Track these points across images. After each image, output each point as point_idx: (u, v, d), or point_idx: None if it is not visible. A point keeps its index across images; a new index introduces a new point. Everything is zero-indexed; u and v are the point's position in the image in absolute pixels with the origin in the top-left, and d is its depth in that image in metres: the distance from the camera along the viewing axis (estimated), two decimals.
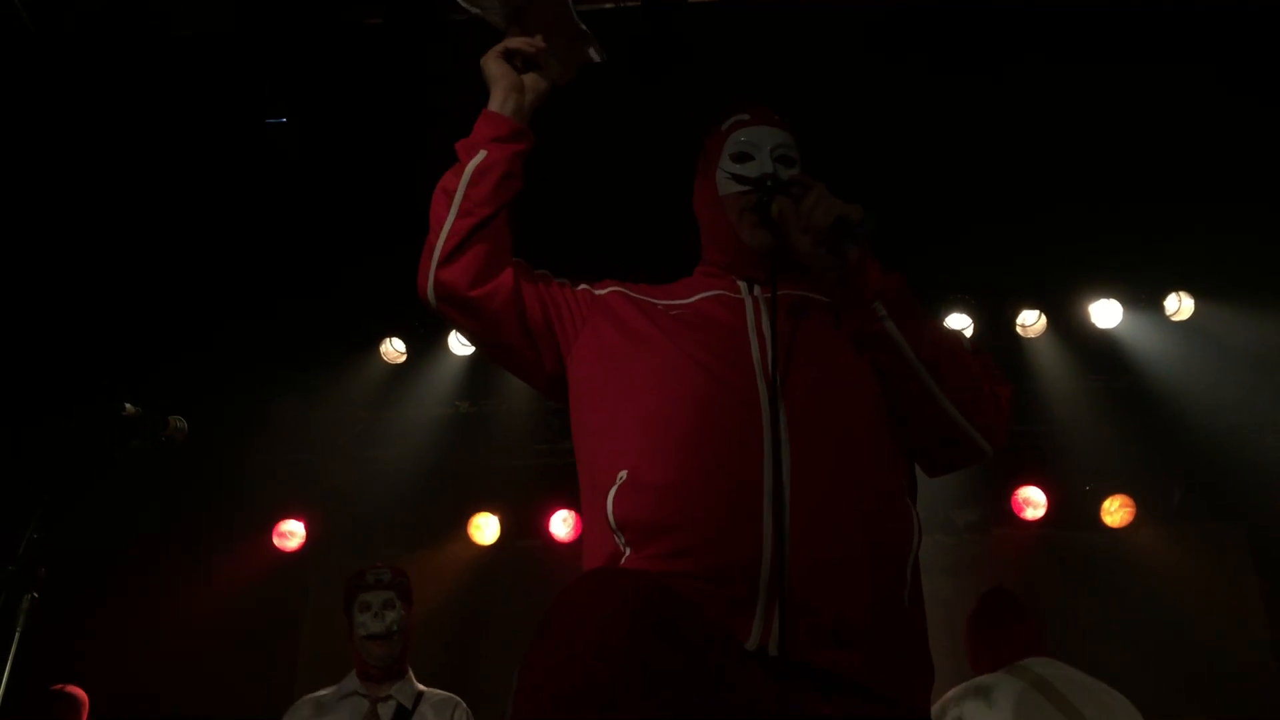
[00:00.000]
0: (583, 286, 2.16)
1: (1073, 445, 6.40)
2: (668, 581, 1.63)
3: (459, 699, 3.91)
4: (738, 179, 2.12)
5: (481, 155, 2.09)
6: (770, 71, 4.92)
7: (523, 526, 6.77)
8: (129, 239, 5.59)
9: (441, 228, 2.05)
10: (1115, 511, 6.32)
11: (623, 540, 1.80)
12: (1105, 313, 5.94)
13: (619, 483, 1.82)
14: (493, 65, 2.14)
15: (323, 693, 3.88)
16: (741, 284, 2.11)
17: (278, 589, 6.66)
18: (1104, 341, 6.08)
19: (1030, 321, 6.11)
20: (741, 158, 2.14)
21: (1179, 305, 5.93)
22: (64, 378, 5.44)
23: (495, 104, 2.13)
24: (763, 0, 4.86)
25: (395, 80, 5.06)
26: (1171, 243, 5.61)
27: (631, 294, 2.13)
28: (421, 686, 3.89)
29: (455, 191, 2.06)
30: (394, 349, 6.43)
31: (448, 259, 2.02)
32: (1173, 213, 5.30)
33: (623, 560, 1.79)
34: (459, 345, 6.28)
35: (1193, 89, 4.97)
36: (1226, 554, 6.40)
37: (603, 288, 2.15)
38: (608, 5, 4.83)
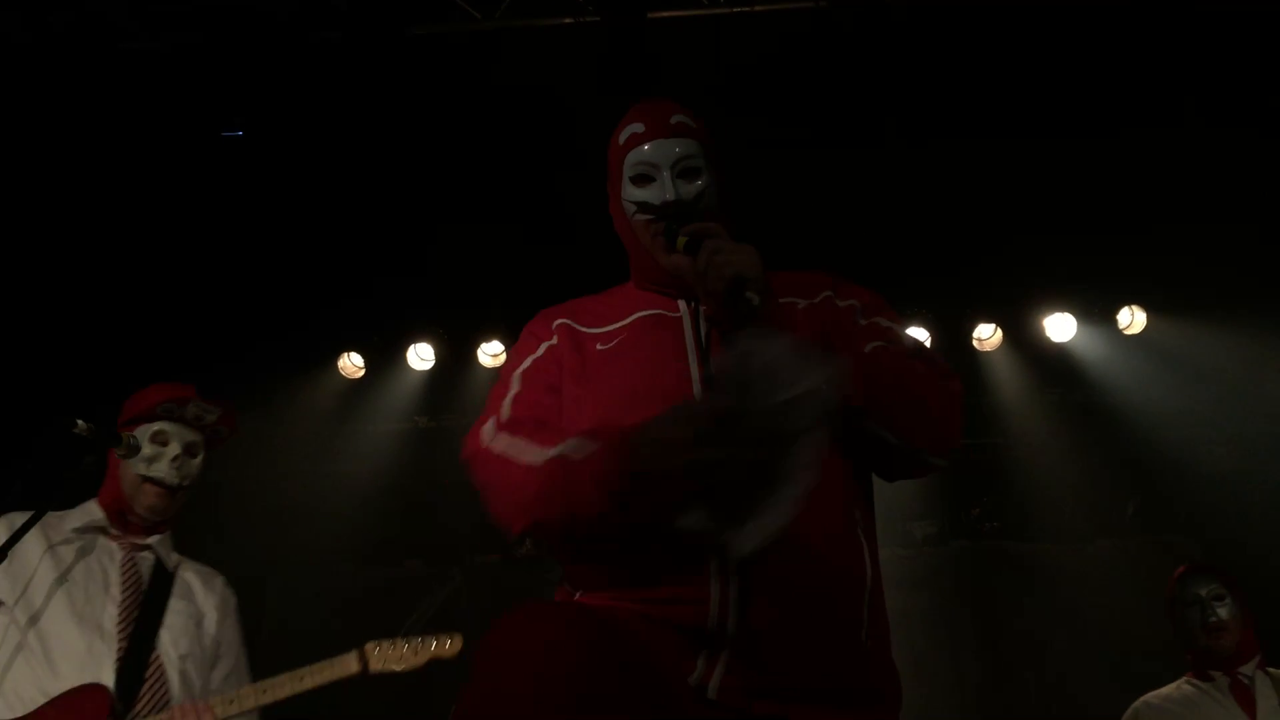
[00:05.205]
0: (545, 346, 1.99)
1: (1028, 458, 6.46)
2: (613, 616, 1.63)
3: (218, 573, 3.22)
4: (641, 207, 2.00)
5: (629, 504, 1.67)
6: (732, 84, 4.96)
7: (483, 542, 6.73)
8: (84, 256, 5.53)
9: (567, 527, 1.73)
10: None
11: (573, 584, 1.82)
12: (1060, 326, 6.01)
13: None
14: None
15: (52, 514, 2.88)
16: (680, 301, 1.98)
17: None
18: (1059, 355, 6.14)
19: (986, 335, 6.15)
20: (642, 180, 2.00)
21: (1132, 319, 6.00)
22: (18, 396, 5.37)
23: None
24: (724, 14, 4.91)
25: (354, 95, 5.04)
26: (1124, 257, 5.68)
27: (574, 326, 2.00)
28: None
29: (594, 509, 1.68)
30: (352, 364, 6.39)
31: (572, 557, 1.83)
32: (1125, 228, 5.38)
33: (575, 598, 1.81)
34: (417, 360, 6.27)
35: (1149, 111, 5.06)
36: (1181, 566, 6.45)
37: (550, 322, 2.03)
38: (567, 21, 4.84)
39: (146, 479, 2.92)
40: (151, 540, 2.99)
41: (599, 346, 1.95)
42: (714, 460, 1.56)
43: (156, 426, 2.95)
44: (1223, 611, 3.54)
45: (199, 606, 3.05)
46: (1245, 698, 3.45)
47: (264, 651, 6.67)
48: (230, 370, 6.03)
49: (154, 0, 4.77)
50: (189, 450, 2.99)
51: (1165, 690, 3.64)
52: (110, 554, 2.92)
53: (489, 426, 1.88)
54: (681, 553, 1.68)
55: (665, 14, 4.89)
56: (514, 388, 1.92)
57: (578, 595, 1.81)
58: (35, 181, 5.25)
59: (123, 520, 2.95)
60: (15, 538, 2.67)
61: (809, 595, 1.71)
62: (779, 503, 1.58)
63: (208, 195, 5.49)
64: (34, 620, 2.74)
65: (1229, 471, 6.17)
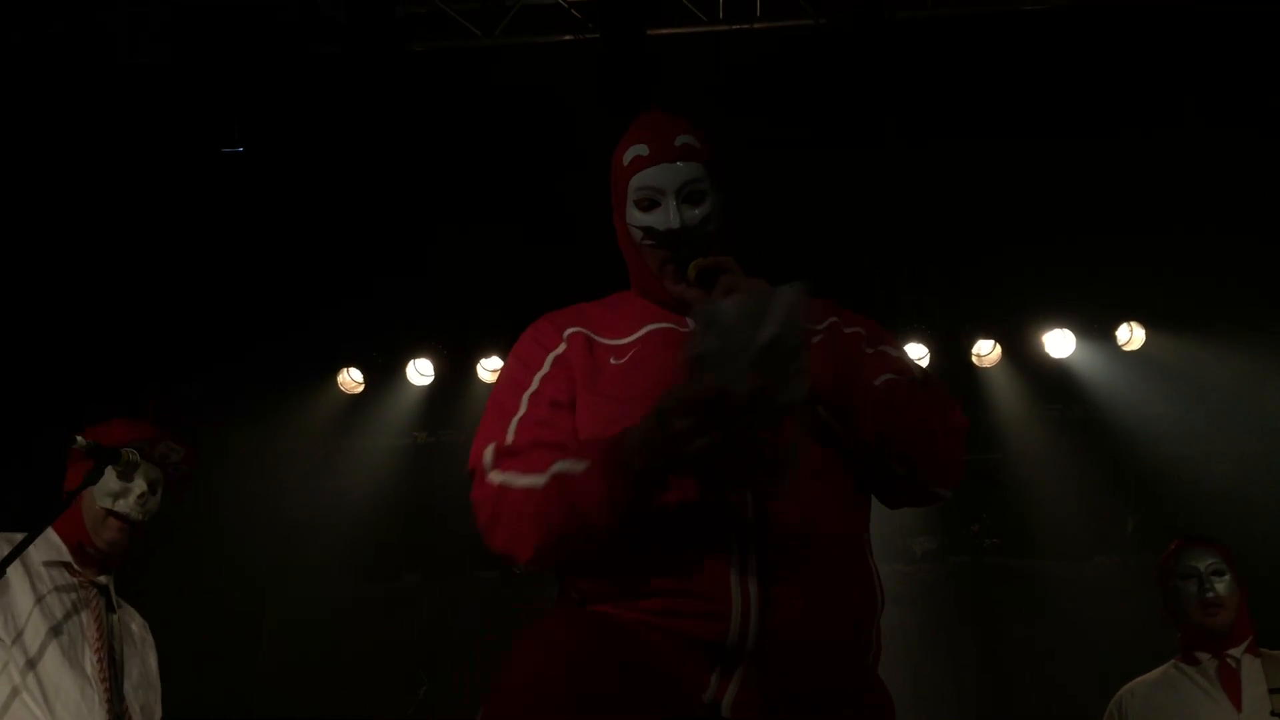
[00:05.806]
0: (552, 357, 1.93)
1: (1028, 474, 6.45)
2: (619, 622, 1.63)
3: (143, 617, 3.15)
4: (646, 232, 1.96)
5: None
6: (729, 99, 4.97)
7: (482, 558, 6.73)
8: (86, 268, 5.54)
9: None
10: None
11: (584, 596, 1.77)
12: (1059, 343, 6.01)
13: None
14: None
15: (17, 535, 2.71)
16: (689, 319, 1.88)
17: (235, 617, 6.58)
18: (1057, 371, 6.15)
19: (985, 351, 6.15)
20: (647, 205, 1.96)
21: (1130, 335, 6.00)
22: (17, 411, 5.37)
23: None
24: (723, 31, 4.93)
25: (353, 112, 5.05)
26: (1123, 274, 5.69)
27: (590, 335, 1.95)
28: None
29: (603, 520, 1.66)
30: (352, 379, 6.39)
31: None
32: (1124, 244, 5.39)
33: (584, 609, 1.77)
34: (417, 375, 6.27)
35: (1147, 125, 5.07)
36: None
37: (559, 330, 1.98)
38: (566, 38, 4.86)
39: (112, 513, 2.83)
40: (104, 579, 2.92)
41: (612, 360, 1.91)
42: (713, 443, 1.56)
43: (121, 466, 2.83)
44: (1220, 587, 3.35)
45: (142, 654, 3.02)
46: (1231, 682, 3.29)
47: (265, 659, 6.73)
48: (231, 384, 6.05)
49: (154, 12, 4.79)
50: (152, 487, 2.90)
51: (1150, 676, 3.49)
52: (77, 592, 2.84)
53: (489, 454, 1.82)
54: (693, 557, 1.67)
55: (665, 30, 4.91)
56: (521, 409, 1.87)
57: (587, 606, 1.78)
58: (36, 191, 5.26)
59: (81, 554, 2.86)
60: (11, 557, 2.58)
61: (829, 615, 1.71)
62: (787, 452, 1.65)
63: (208, 211, 5.50)
64: (30, 661, 2.66)
65: (1228, 487, 6.16)
